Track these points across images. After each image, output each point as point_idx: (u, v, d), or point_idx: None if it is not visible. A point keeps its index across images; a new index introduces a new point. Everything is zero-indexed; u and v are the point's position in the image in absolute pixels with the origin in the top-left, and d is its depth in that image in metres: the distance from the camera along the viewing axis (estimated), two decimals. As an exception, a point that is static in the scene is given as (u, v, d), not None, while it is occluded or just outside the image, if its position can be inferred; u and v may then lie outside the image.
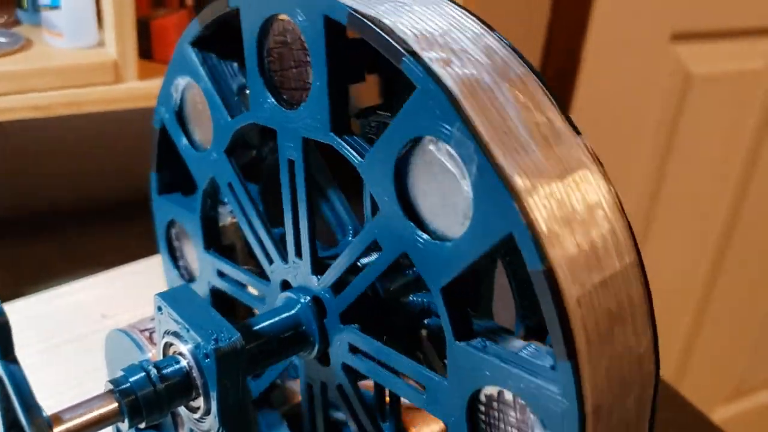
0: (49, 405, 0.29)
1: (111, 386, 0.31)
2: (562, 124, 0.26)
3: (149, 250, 0.64)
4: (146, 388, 0.30)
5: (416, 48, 0.25)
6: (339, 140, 0.29)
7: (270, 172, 0.40)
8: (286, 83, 0.32)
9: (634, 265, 0.25)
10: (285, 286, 0.36)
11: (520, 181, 0.23)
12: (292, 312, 0.34)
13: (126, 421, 0.31)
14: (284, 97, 0.32)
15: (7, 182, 0.83)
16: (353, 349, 0.32)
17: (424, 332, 0.34)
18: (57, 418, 0.29)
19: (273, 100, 0.32)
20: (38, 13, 0.63)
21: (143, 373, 0.31)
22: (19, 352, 0.29)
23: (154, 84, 0.62)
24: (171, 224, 0.44)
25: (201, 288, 0.42)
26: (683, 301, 1.39)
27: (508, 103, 0.25)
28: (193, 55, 0.36)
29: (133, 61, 0.61)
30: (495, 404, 0.26)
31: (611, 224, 0.25)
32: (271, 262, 0.36)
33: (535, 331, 0.29)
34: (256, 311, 0.42)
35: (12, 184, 0.83)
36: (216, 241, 0.41)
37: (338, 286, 0.33)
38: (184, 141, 0.39)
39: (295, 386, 0.41)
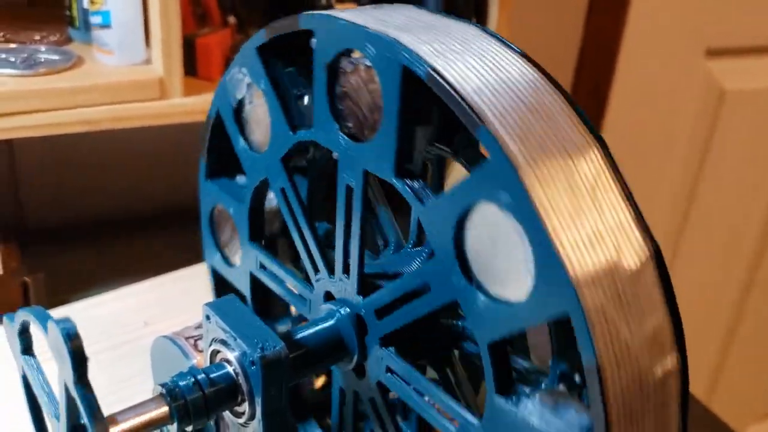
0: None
1: (162, 390, 0.32)
2: (627, 210, 0.26)
3: (186, 260, 0.66)
4: (195, 393, 0.32)
5: (491, 118, 0.26)
6: (402, 183, 0.30)
7: (321, 169, 0.40)
8: (352, 116, 0.32)
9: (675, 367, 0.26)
10: (327, 296, 0.37)
11: (577, 267, 0.24)
12: (333, 324, 0.35)
13: (175, 424, 0.32)
14: (351, 129, 0.33)
15: (52, 193, 0.86)
16: (390, 371, 0.33)
17: (456, 353, 0.35)
18: (112, 420, 0.31)
19: (338, 128, 0.33)
20: (89, 31, 0.66)
21: (192, 379, 0.32)
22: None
23: (198, 100, 0.64)
24: (216, 208, 0.44)
25: (243, 274, 0.43)
26: (715, 317, 1.38)
27: (576, 183, 0.26)
28: (258, 60, 0.36)
29: (178, 77, 0.63)
30: None
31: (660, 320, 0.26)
32: (317, 271, 0.37)
33: (569, 376, 0.29)
34: (293, 308, 0.43)
35: (57, 195, 0.86)
36: (260, 232, 0.41)
37: (382, 312, 0.33)
38: (241, 141, 0.40)
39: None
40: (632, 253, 0.25)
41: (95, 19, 0.64)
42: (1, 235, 0.74)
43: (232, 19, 0.71)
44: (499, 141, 0.25)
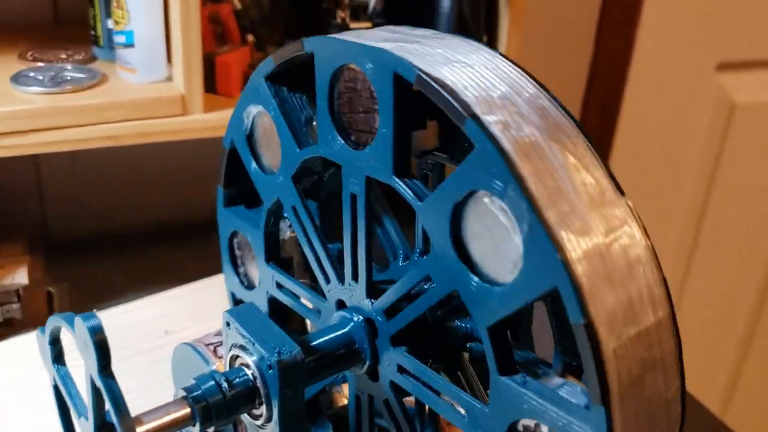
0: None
1: (184, 393, 0.34)
2: (608, 185, 0.28)
3: (203, 271, 0.68)
4: (216, 395, 0.34)
5: (477, 111, 0.28)
6: (400, 183, 0.32)
7: (329, 191, 0.43)
8: (353, 125, 0.35)
9: (667, 317, 0.27)
10: (340, 304, 0.39)
11: (566, 240, 0.26)
12: (346, 330, 0.37)
13: (197, 425, 0.34)
14: (351, 138, 0.35)
15: (76, 206, 0.89)
16: (401, 370, 0.35)
17: (466, 355, 0.37)
18: (138, 420, 0.33)
19: (341, 139, 0.35)
20: (113, 50, 0.68)
21: (213, 382, 0.34)
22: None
23: (218, 116, 0.66)
24: (234, 234, 0.47)
25: (260, 296, 0.45)
26: (729, 331, 1.37)
27: (560, 164, 0.27)
28: (266, 88, 0.39)
29: (199, 94, 0.65)
30: None
31: (648, 280, 0.27)
32: (328, 281, 0.39)
33: (572, 366, 0.31)
34: (308, 321, 0.44)
35: (81, 207, 0.89)
36: (276, 254, 0.43)
37: (390, 312, 0.35)
38: (253, 164, 0.42)
39: (342, 391, 0.43)
40: (616, 221, 0.27)
41: (119, 39, 0.66)
42: (27, 247, 0.77)
43: (250, 38, 0.74)
44: (484, 129, 0.27)
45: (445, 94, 0.28)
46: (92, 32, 0.72)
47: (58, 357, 0.36)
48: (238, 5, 0.73)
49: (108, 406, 0.31)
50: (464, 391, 0.32)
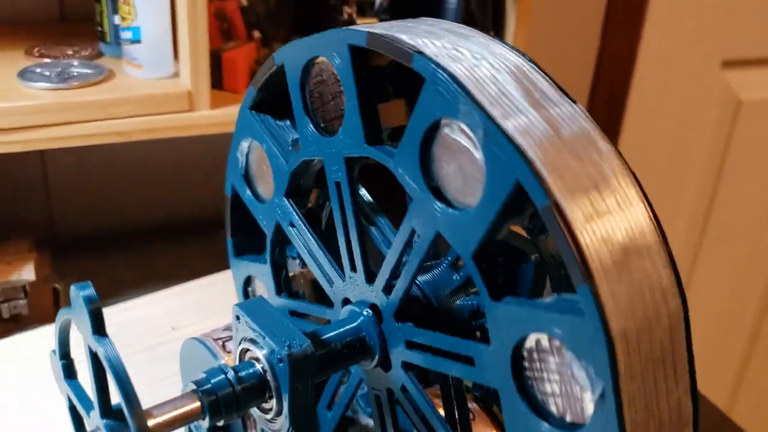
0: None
1: (194, 387, 0.34)
2: (557, 95, 0.29)
3: (210, 267, 0.68)
4: (226, 389, 0.34)
5: (423, 48, 0.29)
6: (373, 149, 0.33)
7: (327, 224, 0.43)
8: (326, 117, 0.36)
9: (640, 203, 0.27)
10: (345, 303, 0.39)
11: (519, 137, 0.26)
12: (354, 323, 0.37)
13: (207, 418, 0.34)
14: (326, 128, 0.37)
15: (83, 202, 0.89)
16: (410, 345, 0.35)
17: (477, 333, 0.37)
18: (148, 413, 0.33)
19: (317, 133, 0.36)
20: (120, 46, 0.69)
21: (223, 376, 0.34)
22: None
23: (225, 112, 0.66)
24: (247, 282, 0.47)
25: None
26: (735, 327, 1.37)
27: (506, 80, 0.29)
28: (251, 118, 0.41)
29: (205, 90, 0.65)
30: (535, 355, 0.28)
31: (611, 166, 0.27)
32: (332, 284, 0.39)
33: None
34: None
35: (87, 204, 0.89)
36: (286, 285, 0.44)
37: (389, 288, 0.35)
38: (248, 193, 0.44)
39: (371, 422, 0.43)
40: (565, 118, 0.28)
41: (126, 35, 0.66)
42: (34, 243, 0.77)
43: (256, 34, 0.74)
44: (431, 60, 0.29)
45: (393, 42, 0.30)
46: (99, 28, 0.72)
47: (69, 372, 0.36)
48: (244, 1, 0.73)
49: (117, 395, 0.30)
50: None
